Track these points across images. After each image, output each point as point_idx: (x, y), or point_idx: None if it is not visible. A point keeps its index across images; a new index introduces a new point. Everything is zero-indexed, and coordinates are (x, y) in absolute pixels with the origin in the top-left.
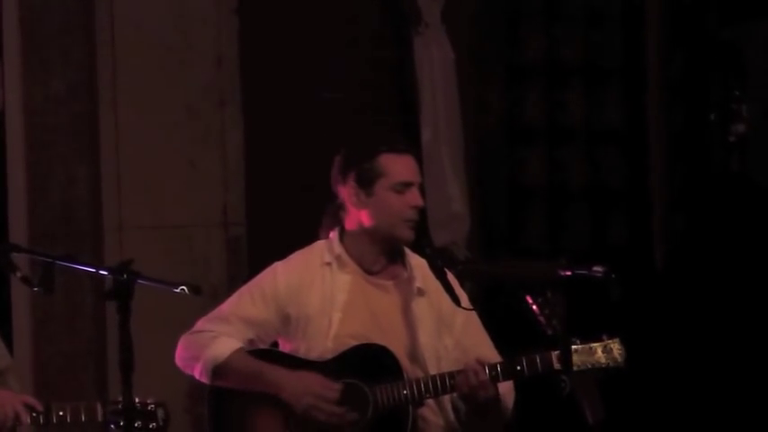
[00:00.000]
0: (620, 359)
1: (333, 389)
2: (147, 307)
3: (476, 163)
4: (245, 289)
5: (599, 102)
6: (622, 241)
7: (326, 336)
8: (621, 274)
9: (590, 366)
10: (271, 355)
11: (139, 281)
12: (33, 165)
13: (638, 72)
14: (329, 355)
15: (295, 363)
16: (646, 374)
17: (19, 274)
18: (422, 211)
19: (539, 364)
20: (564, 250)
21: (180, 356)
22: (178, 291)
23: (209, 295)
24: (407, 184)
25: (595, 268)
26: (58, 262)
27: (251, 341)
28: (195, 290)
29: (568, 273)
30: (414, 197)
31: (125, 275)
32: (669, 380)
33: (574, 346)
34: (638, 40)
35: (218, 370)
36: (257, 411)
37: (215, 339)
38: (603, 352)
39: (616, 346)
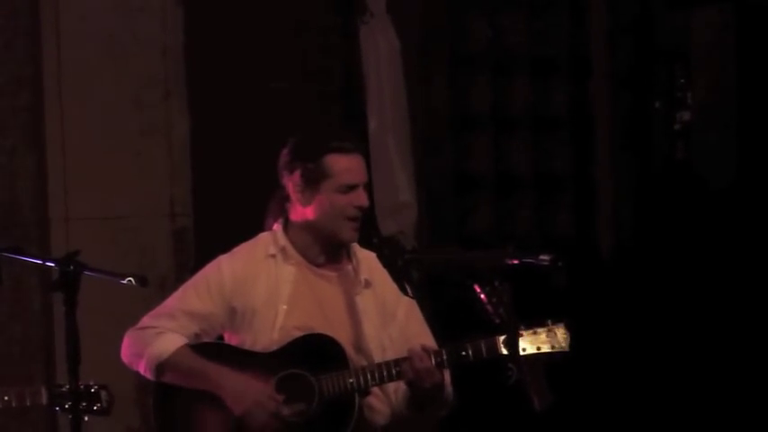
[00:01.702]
0: (564, 344)
1: (273, 398)
2: (93, 298)
3: (422, 152)
4: (189, 283)
5: (544, 90)
6: (568, 229)
7: (272, 328)
8: (567, 262)
9: (535, 351)
10: (217, 348)
11: (86, 272)
12: None
13: (584, 60)
14: (275, 347)
15: (241, 355)
16: (593, 362)
17: None
18: (368, 205)
19: (484, 350)
20: (510, 238)
21: (125, 353)
22: (125, 282)
23: (156, 286)
24: (353, 186)
25: (542, 256)
26: (4, 254)
27: (196, 335)
28: (142, 281)
29: (515, 261)
30: (359, 197)
31: (71, 267)
32: (614, 366)
33: (519, 332)
34: (583, 27)
35: (162, 367)
36: (203, 406)
37: (159, 336)
38: (548, 337)
39: (560, 331)
